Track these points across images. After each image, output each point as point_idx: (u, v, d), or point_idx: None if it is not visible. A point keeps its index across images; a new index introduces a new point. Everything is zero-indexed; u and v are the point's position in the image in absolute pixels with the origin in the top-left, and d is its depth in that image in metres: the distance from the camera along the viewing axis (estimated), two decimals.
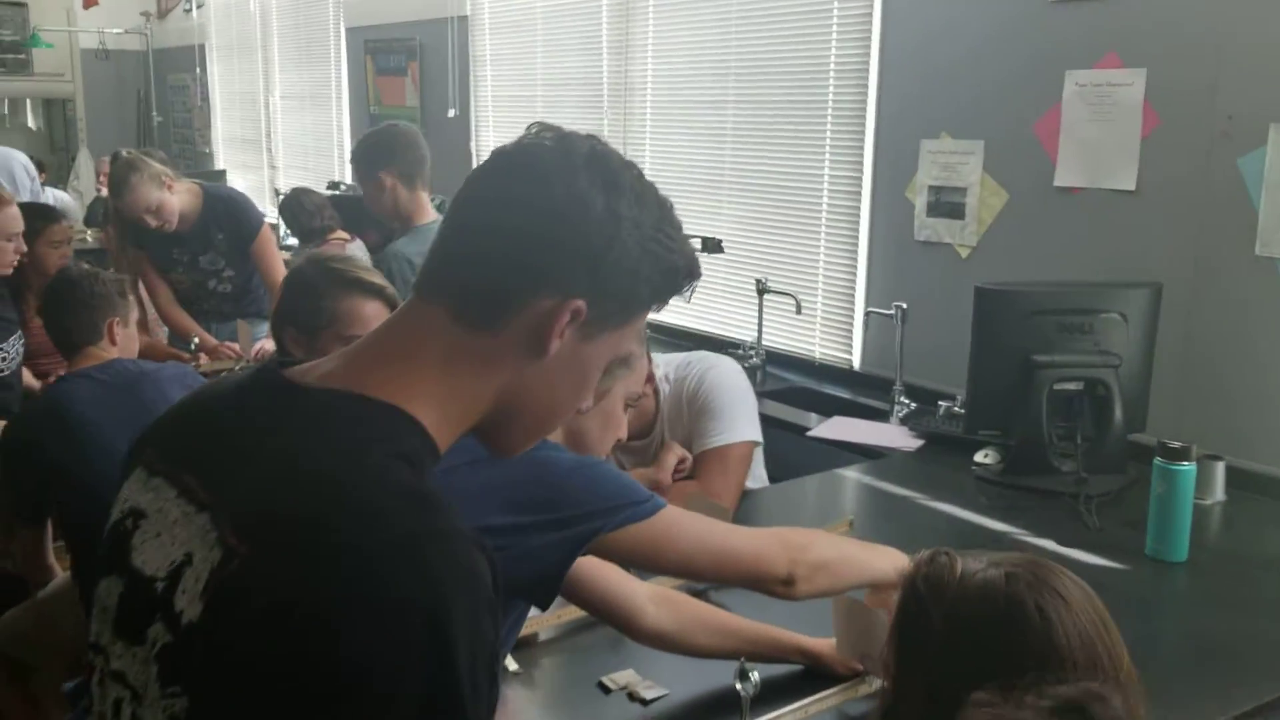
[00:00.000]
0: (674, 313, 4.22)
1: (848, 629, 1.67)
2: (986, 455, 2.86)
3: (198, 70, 8.47)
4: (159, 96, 9.31)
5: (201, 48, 8.39)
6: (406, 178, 3.10)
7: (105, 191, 7.45)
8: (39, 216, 3.57)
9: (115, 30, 9.10)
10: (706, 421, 2.40)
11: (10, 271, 3.25)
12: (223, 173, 7.93)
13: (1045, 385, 2.70)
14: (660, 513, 1.48)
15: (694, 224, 4.14)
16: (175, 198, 3.76)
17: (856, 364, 3.68)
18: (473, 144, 5.50)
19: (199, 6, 8.35)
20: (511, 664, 1.77)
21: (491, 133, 5.39)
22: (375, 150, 3.14)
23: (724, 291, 4.09)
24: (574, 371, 0.99)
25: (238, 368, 3.69)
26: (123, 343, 2.73)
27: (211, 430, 0.98)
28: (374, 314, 2.10)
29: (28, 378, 3.38)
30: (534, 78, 5.02)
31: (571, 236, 0.93)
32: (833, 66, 3.63)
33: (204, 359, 3.73)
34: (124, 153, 3.78)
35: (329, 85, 6.75)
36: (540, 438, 1.06)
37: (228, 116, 8.28)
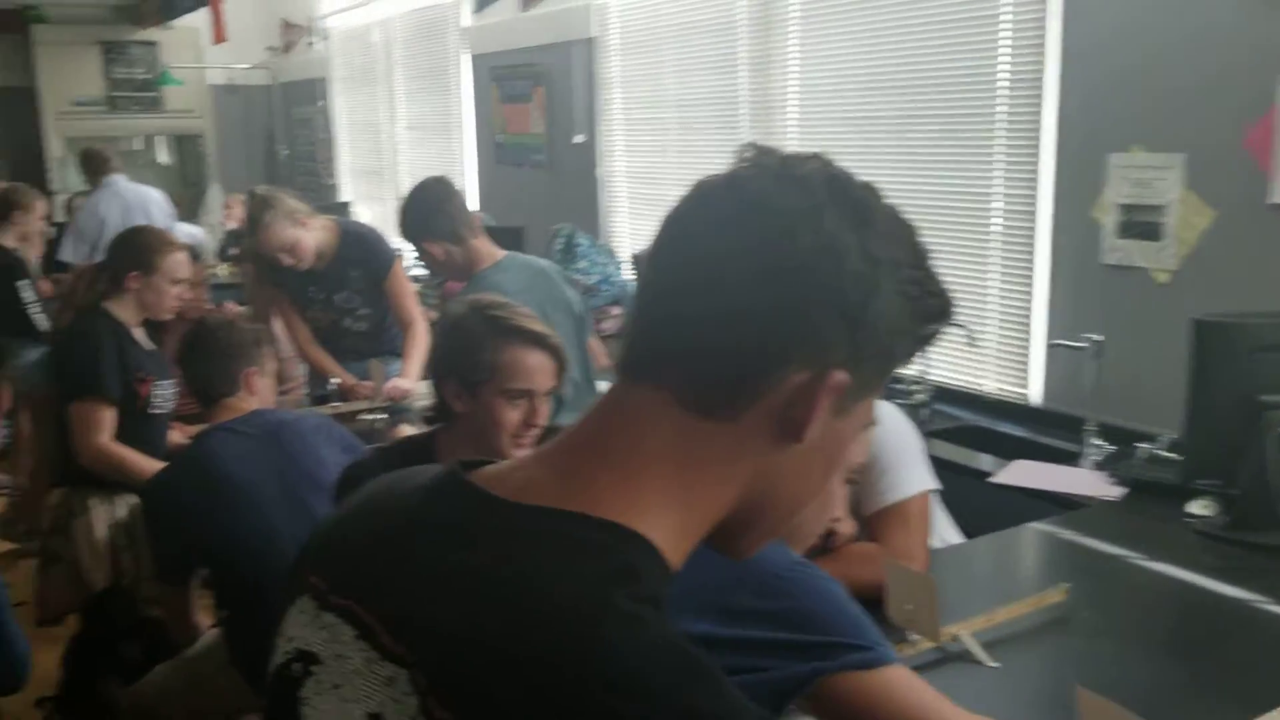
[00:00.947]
0: None
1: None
2: (1204, 506, 2.54)
3: (321, 102, 8.53)
4: (285, 130, 9.43)
5: (324, 80, 8.45)
6: (452, 235, 2.99)
7: (232, 225, 7.56)
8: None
9: (242, 66, 9.25)
10: (876, 478, 2.14)
11: (171, 316, 3.21)
12: (347, 205, 7.94)
13: (1273, 428, 2.38)
14: (888, 667, 1.23)
15: None
16: (310, 235, 3.66)
17: (1035, 400, 3.37)
18: (599, 169, 5.33)
19: (323, 39, 8.41)
20: None
21: (619, 158, 5.21)
22: (411, 225, 3.07)
23: None
24: (826, 453, 0.79)
25: (374, 412, 3.55)
26: (261, 392, 2.62)
27: (393, 553, 0.77)
28: (538, 365, 1.93)
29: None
30: (665, 98, 4.83)
31: (826, 295, 0.75)
32: (1002, 76, 3.34)
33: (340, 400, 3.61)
34: (259, 190, 3.70)
35: (453, 114, 6.68)
36: (781, 535, 0.85)
37: (352, 148, 8.31)
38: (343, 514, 0.87)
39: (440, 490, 0.79)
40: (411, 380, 3.77)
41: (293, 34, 9.15)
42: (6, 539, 3.43)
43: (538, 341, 1.93)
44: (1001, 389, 3.48)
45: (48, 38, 8.93)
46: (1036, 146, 3.26)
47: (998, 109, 3.36)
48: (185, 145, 10.16)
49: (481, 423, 1.93)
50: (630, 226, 5.23)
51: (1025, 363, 3.38)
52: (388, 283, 3.82)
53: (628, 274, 5.11)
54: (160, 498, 2.48)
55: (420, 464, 1.88)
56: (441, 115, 6.83)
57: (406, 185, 7.45)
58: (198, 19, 8.24)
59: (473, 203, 6.51)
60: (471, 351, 1.92)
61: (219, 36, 7.02)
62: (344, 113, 8.36)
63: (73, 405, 2.96)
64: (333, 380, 3.71)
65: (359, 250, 3.81)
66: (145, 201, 6.65)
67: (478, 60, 6.35)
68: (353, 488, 0.88)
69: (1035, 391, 3.37)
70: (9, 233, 5.29)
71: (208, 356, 2.57)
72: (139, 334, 3.14)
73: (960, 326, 3.40)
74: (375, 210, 7.69)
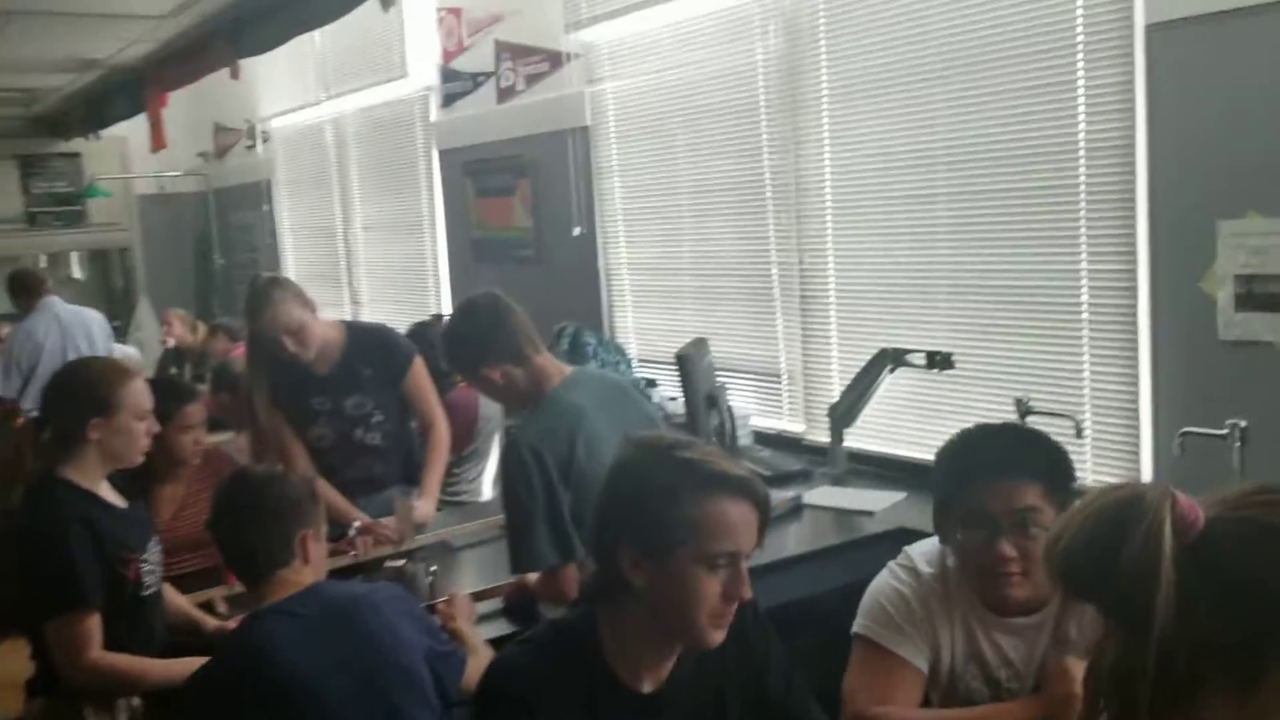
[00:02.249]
0: (905, 444, 3.66)
1: None
2: None
3: (265, 207, 8.09)
4: (221, 238, 8.95)
5: (268, 183, 8.03)
6: (514, 355, 2.56)
7: (171, 343, 7.04)
8: (170, 397, 3.02)
9: (173, 173, 8.79)
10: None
11: (142, 459, 2.67)
12: None
13: None
14: None
15: (903, 334, 3.60)
16: (317, 325, 3.28)
17: None
18: (600, 261, 5.01)
19: (264, 141, 8.00)
20: None
21: (624, 248, 4.90)
22: (464, 352, 2.65)
23: (956, 414, 3.52)
24: None
25: (400, 557, 3.11)
26: (316, 560, 2.18)
27: None
28: (744, 521, 1.55)
29: (183, 603, 2.79)
30: (677, 185, 4.53)
31: None
32: (1083, 145, 3.11)
33: (360, 545, 3.14)
34: (264, 273, 3.33)
35: (420, 212, 6.32)
36: None
37: (300, 253, 7.88)
38: None
39: None
40: (433, 501, 3.36)
41: (226, 138, 8.73)
42: None
43: (743, 490, 1.56)
44: (1101, 481, 3.19)
45: None
46: (1133, 217, 3.03)
47: (1082, 180, 3.12)
48: (102, 259, 9.60)
49: (670, 598, 1.55)
50: (637, 320, 4.89)
51: (1135, 453, 3.10)
52: (407, 382, 3.42)
53: (639, 371, 4.77)
54: (210, 702, 2.01)
55: (582, 660, 1.54)
56: (406, 213, 6.46)
57: (366, 288, 7.18)
58: (125, 127, 7.79)
59: (446, 302, 6.14)
60: (658, 507, 1.53)
61: (158, 144, 6.59)
62: (291, 216, 7.93)
63: (50, 624, 2.38)
64: (354, 524, 3.21)
65: (371, 345, 3.42)
66: (85, 324, 6.17)
67: (448, 155, 6.02)
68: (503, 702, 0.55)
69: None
70: None
71: (257, 520, 2.12)
72: (108, 493, 2.55)
73: (1066, 417, 3.11)
74: (330, 316, 7.23)
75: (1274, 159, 2.73)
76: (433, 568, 2.79)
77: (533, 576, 2.52)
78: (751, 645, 1.68)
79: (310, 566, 2.16)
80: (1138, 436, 3.09)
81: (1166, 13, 2.88)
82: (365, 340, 3.43)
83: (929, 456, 3.61)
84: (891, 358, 3.50)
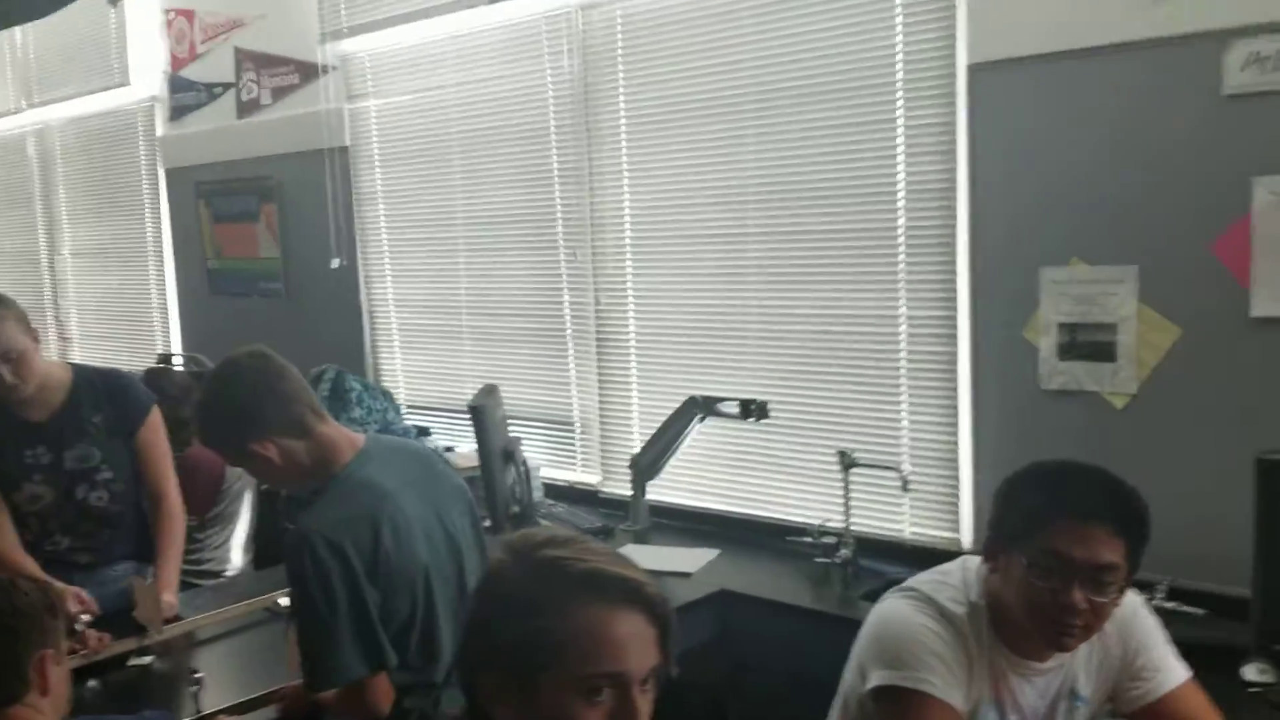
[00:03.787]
0: (713, 497, 3.44)
1: None
2: (1262, 671, 2.22)
3: None
4: None
5: None
6: (292, 426, 2.05)
7: None
8: None
9: None
10: (1157, 655, 1.86)
11: None
12: None
13: None
14: None
15: (710, 381, 3.39)
16: (39, 358, 2.71)
17: (967, 544, 2.99)
18: (363, 297, 4.54)
19: None
20: None
21: (390, 283, 4.45)
22: (228, 424, 2.08)
23: (771, 465, 3.34)
24: None
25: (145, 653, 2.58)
26: (57, 690, 1.69)
27: None
28: (630, 634, 1.22)
29: None
30: (452, 214, 4.15)
31: None
32: (903, 186, 3.00)
33: (92, 641, 2.55)
34: None
35: (142, 238, 5.59)
36: None
37: None
38: None
39: None
40: (174, 592, 2.83)
41: None
42: None
43: (626, 593, 1.22)
44: (921, 533, 3.08)
45: None
46: (953, 262, 2.93)
47: (901, 223, 3.01)
48: None
49: None
50: (406, 363, 4.46)
51: (955, 503, 3.00)
52: (141, 436, 2.87)
53: (409, 420, 4.33)
54: None
55: None
56: (126, 239, 5.71)
57: (77, 325, 6.31)
58: None
59: (175, 341, 5.47)
60: (521, 621, 1.19)
61: None
62: None
63: None
64: (81, 616, 2.61)
65: (102, 389, 2.85)
66: None
67: (177, 174, 5.35)
68: None
69: (967, 535, 2.99)
70: None
71: None
72: None
73: (890, 469, 2.98)
74: None
75: (1098, 206, 2.70)
76: (197, 674, 2.27)
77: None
78: None
79: (50, 699, 1.66)
80: (957, 488, 2.99)
81: (989, 53, 2.81)
82: (96, 384, 2.86)
83: (742, 510, 3.50)
84: (701, 406, 3.27)
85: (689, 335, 3.50)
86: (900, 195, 3.01)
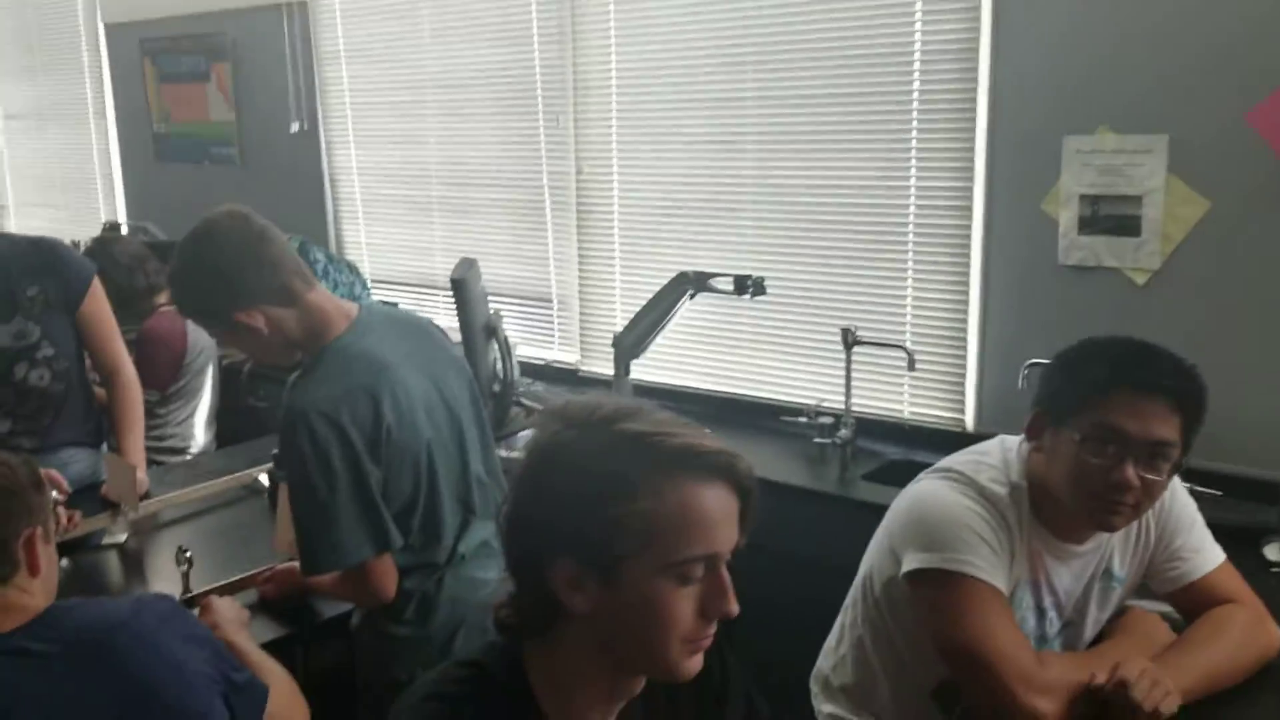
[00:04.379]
0: (697, 376, 3.31)
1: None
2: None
3: None
4: None
5: None
6: (280, 293, 1.84)
7: None
8: None
9: None
10: (1195, 537, 1.79)
11: None
12: None
13: None
14: None
15: (698, 257, 3.24)
16: None
17: (970, 425, 2.89)
18: (324, 164, 4.28)
19: None
20: None
21: (353, 150, 4.20)
22: (209, 293, 1.85)
23: (763, 344, 3.20)
24: None
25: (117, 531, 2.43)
26: (47, 571, 1.52)
27: None
28: (721, 511, 1.09)
29: None
30: (421, 77, 3.89)
31: None
32: (919, 47, 2.81)
33: (62, 519, 2.39)
34: None
35: (83, 100, 5.24)
36: None
37: None
38: None
39: None
40: (142, 466, 2.66)
41: None
42: None
43: (720, 469, 1.08)
44: (920, 413, 2.98)
45: None
46: (971, 129, 2.77)
47: (916, 87, 2.83)
48: None
49: (628, 625, 1.07)
50: (370, 235, 4.23)
51: (961, 385, 2.89)
52: (83, 309, 2.64)
53: (376, 295, 4.13)
54: None
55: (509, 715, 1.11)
56: (65, 101, 5.35)
57: (11, 192, 5.95)
58: None
59: (120, 210, 5.17)
60: (604, 504, 1.04)
61: None
62: None
63: None
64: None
65: (37, 258, 2.60)
66: None
67: (119, 30, 4.99)
68: None
69: (971, 417, 2.90)
70: None
71: None
72: None
73: (896, 347, 2.86)
74: None
75: (1130, 70, 2.54)
76: (187, 552, 2.09)
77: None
78: (708, 668, 1.22)
79: (40, 579, 1.49)
80: (964, 368, 2.88)
81: None
82: (29, 255, 2.60)
83: (732, 390, 3.37)
84: (693, 281, 3.11)
85: (677, 207, 3.32)
86: (916, 56, 2.82)
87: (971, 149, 2.78)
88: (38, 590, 1.48)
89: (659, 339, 3.28)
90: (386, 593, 1.82)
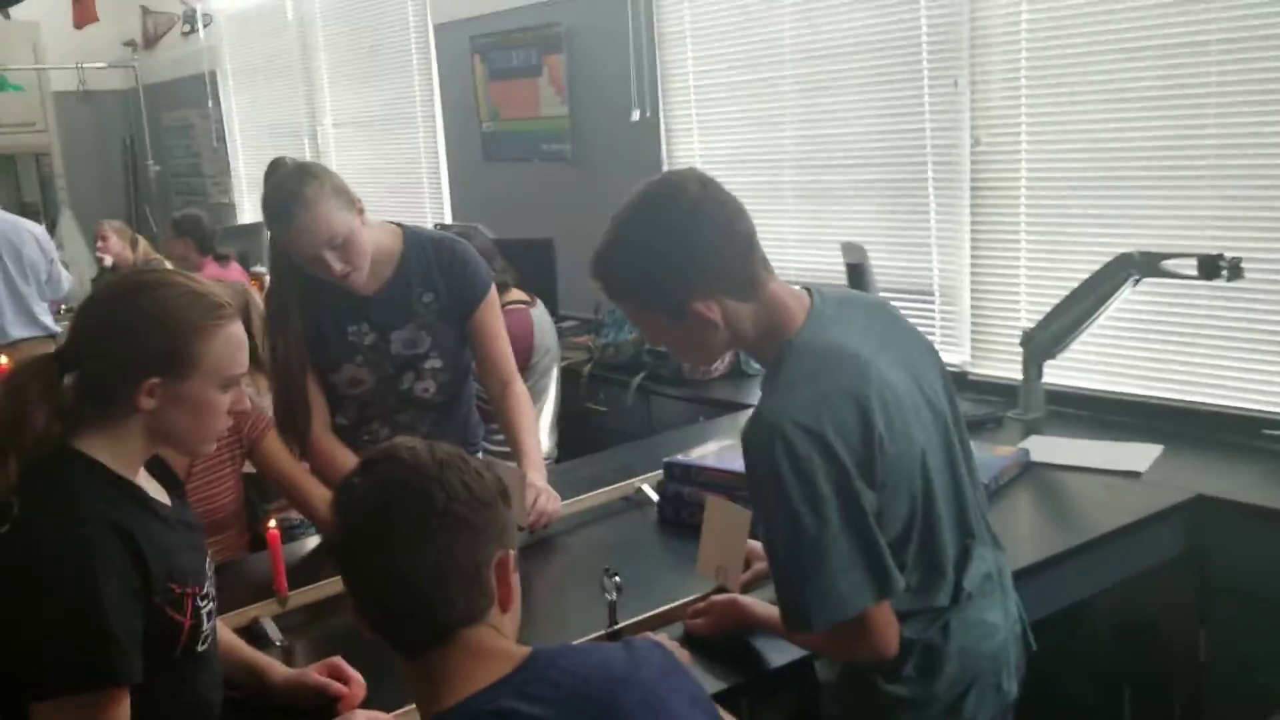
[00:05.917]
0: (1131, 381, 2.78)
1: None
2: None
3: (210, 104, 6.90)
4: (154, 141, 7.72)
5: (213, 75, 6.83)
6: (742, 282, 1.48)
7: (108, 260, 5.87)
8: None
9: (96, 65, 7.50)
10: None
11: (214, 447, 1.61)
12: (257, 226, 6.34)
13: None
14: None
15: (1143, 237, 2.72)
16: (366, 232, 2.24)
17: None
18: (664, 154, 4.02)
19: (205, 25, 6.79)
20: None
21: (696, 138, 3.91)
22: (663, 274, 1.47)
23: (1228, 341, 2.65)
24: None
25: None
26: (514, 605, 1.22)
27: None
28: None
29: (234, 640, 1.73)
30: (779, 51, 3.54)
31: None
32: None
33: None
34: (287, 159, 2.24)
35: (412, 102, 5.23)
36: None
37: (255, 157, 6.72)
38: None
39: None
40: (542, 475, 2.35)
41: (157, 23, 7.48)
42: None
43: None
44: None
45: None
46: None
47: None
48: (7, 167, 8.23)
49: None
50: None
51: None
52: (477, 317, 2.40)
53: None
54: None
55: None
56: (394, 105, 5.37)
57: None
58: (39, 9, 6.51)
59: (446, 213, 5.11)
60: None
61: (84, 16, 5.36)
62: (243, 114, 6.77)
63: (48, 706, 1.30)
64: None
65: (436, 261, 2.36)
66: (17, 236, 4.91)
67: (447, 29, 4.94)
68: None
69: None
70: None
71: (427, 543, 1.12)
72: (146, 484, 1.46)
73: None
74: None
75: None
76: (615, 577, 1.77)
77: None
78: None
79: (509, 616, 1.20)
80: None
81: None
82: (430, 255, 2.38)
83: (1184, 397, 2.75)
84: (1139, 265, 2.59)
85: (1106, 179, 2.80)
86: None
87: None
88: (507, 628, 1.18)
89: (1082, 336, 2.78)
90: (889, 648, 1.43)
